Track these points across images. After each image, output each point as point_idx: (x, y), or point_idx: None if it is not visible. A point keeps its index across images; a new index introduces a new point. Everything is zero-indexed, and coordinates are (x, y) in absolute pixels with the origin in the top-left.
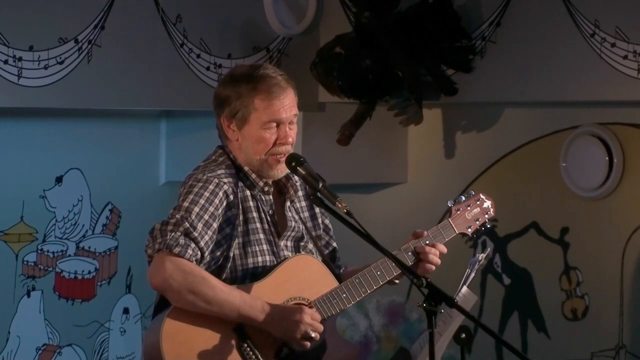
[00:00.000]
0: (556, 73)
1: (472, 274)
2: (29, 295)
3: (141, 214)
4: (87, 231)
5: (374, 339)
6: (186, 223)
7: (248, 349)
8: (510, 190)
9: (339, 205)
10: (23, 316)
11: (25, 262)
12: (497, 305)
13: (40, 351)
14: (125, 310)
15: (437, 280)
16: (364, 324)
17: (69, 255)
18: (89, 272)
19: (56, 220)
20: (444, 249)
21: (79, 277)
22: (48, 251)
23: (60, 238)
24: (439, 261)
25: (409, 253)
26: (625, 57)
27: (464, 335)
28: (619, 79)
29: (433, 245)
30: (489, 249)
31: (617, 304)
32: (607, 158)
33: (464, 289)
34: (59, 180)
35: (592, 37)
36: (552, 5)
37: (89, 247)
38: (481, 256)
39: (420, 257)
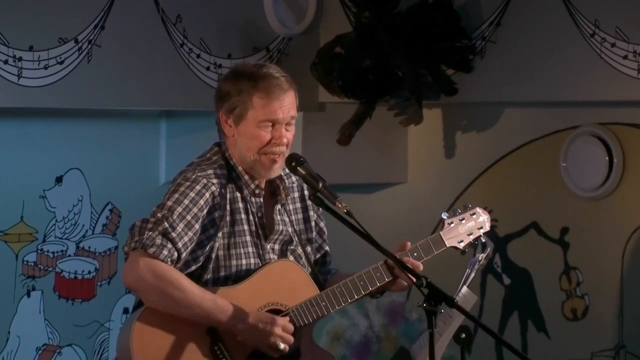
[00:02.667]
0: (556, 73)
1: (472, 274)
2: (29, 295)
3: (141, 214)
4: (87, 231)
5: (374, 339)
6: (166, 223)
7: (219, 351)
8: (510, 190)
9: (339, 205)
10: (23, 316)
11: (25, 262)
12: (497, 305)
13: (40, 351)
14: (125, 311)
15: (437, 280)
16: (364, 324)
17: (69, 255)
18: (89, 272)
19: (56, 220)
20: (421, 267)
21: (79, 277)
22: (48, 251)
23: (60, 238)
24: (413, 280)
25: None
26: (625, 57)
27: (464, 335)
28: (619, 79)
29: (412, 264)
30: (489, 249)
31: (617, 304)
32: (607, 158)
33: (464, 289)
34: (59, 180)
35: (592, 37)
36: (552, 5)
37: (89, 247)
38: (481, 256)
39: (395, 272)
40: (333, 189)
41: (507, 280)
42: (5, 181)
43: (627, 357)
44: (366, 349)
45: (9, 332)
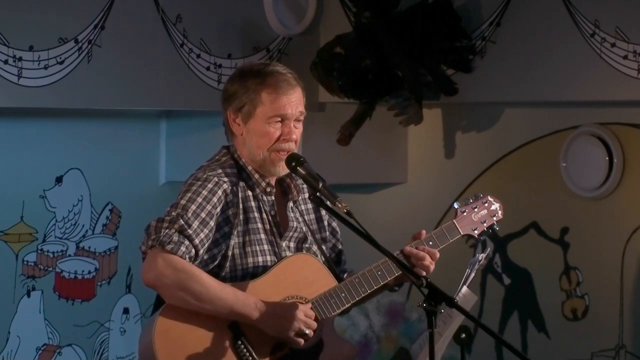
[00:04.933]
0: (556, 73)
1: (472, 274)
2: (29, 295)
3: (141, 214)
4: (87, 231)
5: (374, 339)
6: (181, 220)
7: (242, 346)
8: (510, 190)
9: (339, 205)
10: (23, 316)
11: (25, 262)
12: (497, 305)
13: (40, 351)
14: (125, 310)
15: (437, 280)
16: (364, 324)
17: (69, 255)
18: (89, 272)
19: (56, 220)
20: (437, 255)
21: (79, 277)
22: (48, 251)
23: (60, 238)
24: (431, 267)
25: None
26: (625, 57)
27: (464, 335)
28: (619, 79)
29: (427, 252)
30: (489, 249)
31: (617, 304)
32: (607, 158)
33: (464, 289)
34: (59, 180)
35: (592, 37)
36: (552, 5)
37: (89, 247)
38: (481, 256)
39: (411, 261)
40: (333, 189)
41: (507, 280)
42: (5, 181)
43: (627, 357)
44: (366, 349)
45: (9, 332)
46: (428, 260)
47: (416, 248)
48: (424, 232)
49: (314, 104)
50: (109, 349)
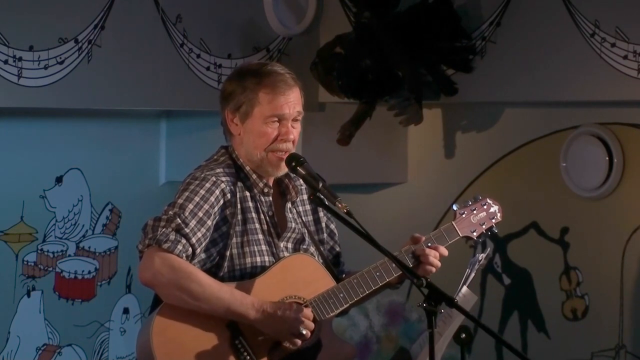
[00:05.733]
0: (556, 73)
1: (472, 274)
2: (29, 295)
3: (141, 214)
4: (87, 231)
5: (374, 339)
6: (178, 219)
7: (240, 345)
8: (510, 190)
9: (339, 205)
10: (23, 316)
11: (25, 262)
12: (497, 305)
13: (40, 351)
14: (125, 310)
15: (437, 280)
16: (364, 324)
17: (69, 255)
18: (89, 272)
19: (56, 220)
20: (445, 252)
21: (79, 277)
22: (48, 251)
23: (60, 238)
24: (439, 264)
25: (409, 254)
26: (625, 57)
27: (464, 335)
28: (619, 79)
29: (434, 248)
30: (489, 249)
31: (617, 304)
32: (607, 158)
33: (464, 289)
34: (59, 180)
35: (592, 37)
36: (552, 5)
37: (89, 247)
38: (481, 256)
39: (420, 259)
40: (333, 189)
41: (507, 280)
42: (5, 181)
43: (627, 357)
44: (366, 349)
45: (9, 332)
46: (433, 255)
47: (415, 250)
48: (423, 237)
49: (314, 104)
50: (109, 349)
